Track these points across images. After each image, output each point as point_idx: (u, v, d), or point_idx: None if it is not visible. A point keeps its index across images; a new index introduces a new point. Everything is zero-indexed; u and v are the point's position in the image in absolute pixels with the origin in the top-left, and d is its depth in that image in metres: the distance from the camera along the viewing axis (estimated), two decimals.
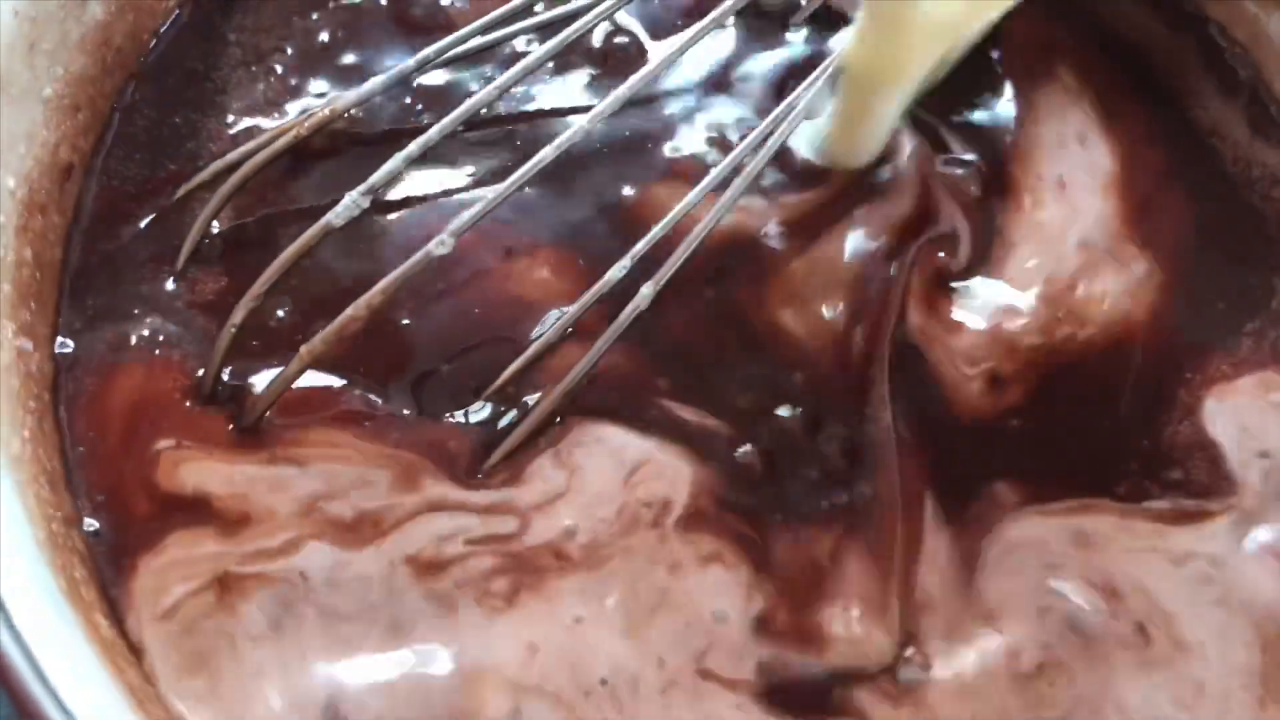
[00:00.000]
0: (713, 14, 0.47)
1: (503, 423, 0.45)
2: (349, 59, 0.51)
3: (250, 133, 0.49)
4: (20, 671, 0.32)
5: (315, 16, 0.52)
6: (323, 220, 0.43)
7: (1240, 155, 0.53)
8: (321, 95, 0.50)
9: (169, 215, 0.47)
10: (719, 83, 0.52)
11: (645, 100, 0.50)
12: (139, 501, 0.42)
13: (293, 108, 0.50)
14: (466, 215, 0.42)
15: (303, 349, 0.43)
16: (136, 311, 0.45)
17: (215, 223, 0.47)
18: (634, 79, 0.46)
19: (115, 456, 0.42)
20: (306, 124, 0.46)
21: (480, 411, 0.45)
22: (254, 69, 0.51)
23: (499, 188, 0.43)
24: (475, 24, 0.48)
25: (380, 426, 0.44)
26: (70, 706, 0.33)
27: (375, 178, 0.43)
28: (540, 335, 0.45)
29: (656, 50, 0.52)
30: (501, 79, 0.45)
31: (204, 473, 0.42)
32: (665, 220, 0.45)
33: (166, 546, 0.41)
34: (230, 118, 0.50)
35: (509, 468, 0.44)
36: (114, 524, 0.41)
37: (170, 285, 0.46)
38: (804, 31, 0.54)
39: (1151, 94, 0.54)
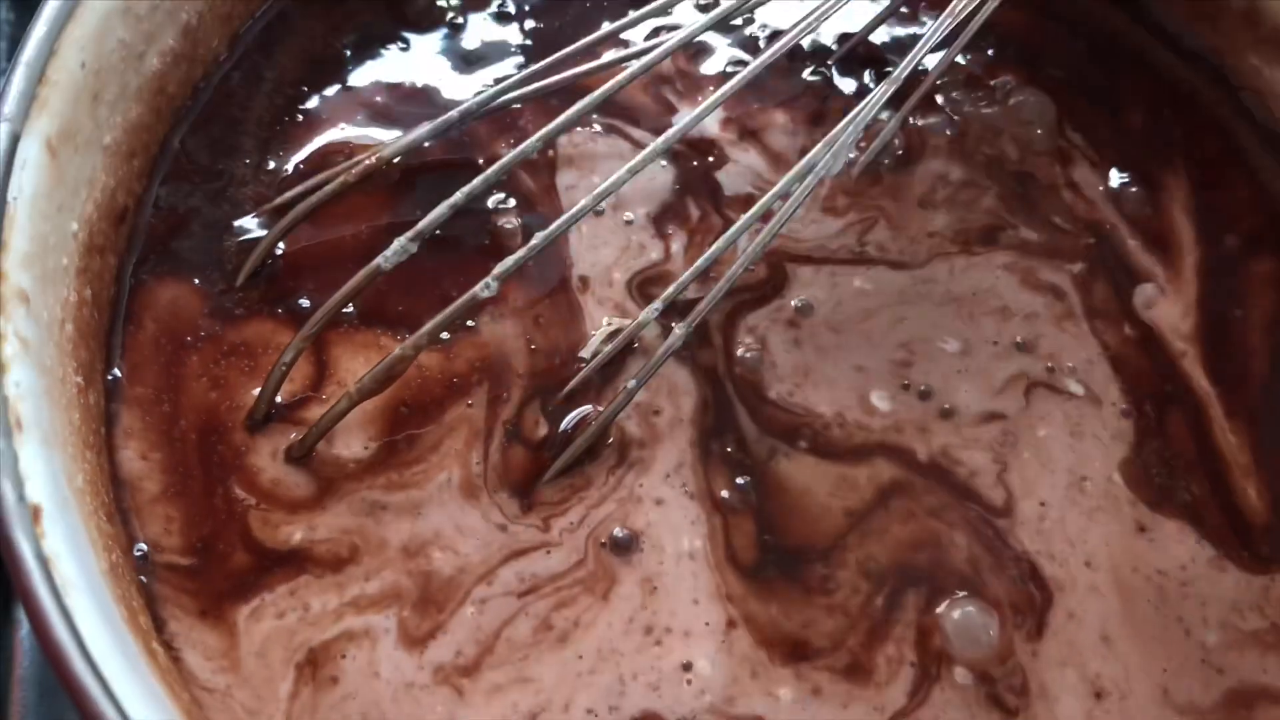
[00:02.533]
0: (755, 63, 0.49)
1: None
2: (394, 103, 0.54)
3: (296, 175, 0.51)
4: (98, 700, 0.34)
5: (360, 61, 0.55)
6: (373, 264, 0.45)
7: None
8: (365, 135, 0.53)
9: (216, 251, 0.49)
10: (753, 128, 0.55)
11: (683, 145, 0.53)
12: (227, 549, 0.43)
13: (338, 147, 0.52)
14: (511, 260, 0.44)
15: (351, 387, 0.44)
16: (189, 339, 0.47)
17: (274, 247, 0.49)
18: (674, 130, 0.47)
19: (184, 496, 0.44)
20: (355, 171, 0.48)
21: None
22: (297, 112, 0.53)
23: (543, 233, 0.45)
24: (517, 76, 0.50)
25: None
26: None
27: (423, 225, 0.45)
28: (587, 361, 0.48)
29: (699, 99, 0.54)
30: (545, 130, 0.47)
31: (290, 527, 0.44)
32: (697, 264, 0.47)
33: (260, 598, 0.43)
34: (273, 160, 0.52)
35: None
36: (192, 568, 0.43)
37: (220, 319, 0.48)
38: (837, 72, 0.57)
39: None
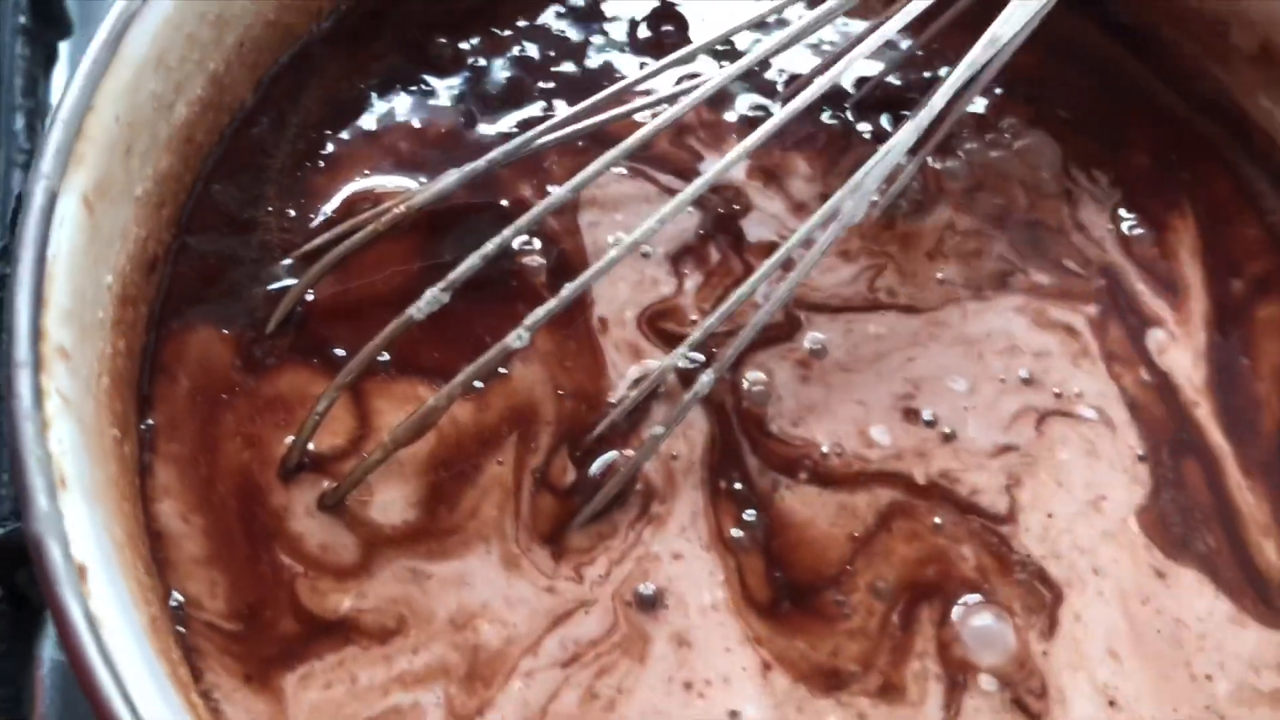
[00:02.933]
0: (782, 114, 0.49)
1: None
2: (418, 148, 0.54)
3: (324, 222, 0.52)
4: None
5: (383, 105, 0.55)
6: (405, 314, 0.45)
7: None
8: (390, 182, 0.53)
9: (246, 299, 0.50)
10: (777, 174, 0.56)
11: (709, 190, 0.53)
12: (274, 616, 0.44)
13: (364, 194, 0.53)
14: (542, 311, 0.45)
15: (386, 438, 0.45)
16: (223, 395, 0.47)
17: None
18: (703, 179, 0.48)
19: (225, 555, 0.45)
20: (383, 220, 0.49)
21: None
22: (319, 158, 0.53)
23: (573, 284, 0.45)
24: (545, 124, 0.51)
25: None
26: None
27: (454, 275, 0.45)
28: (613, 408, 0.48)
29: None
30: (575, 180, 0.47)
31: (339, 595, 0.44)
32: (721, 310, 0.48)
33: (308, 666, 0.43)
34: (299, 207, 0.52)
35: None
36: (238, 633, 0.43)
37: (252, 370, 0.48)
38: (855, 115, 0.58)
39: None
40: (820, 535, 0.47)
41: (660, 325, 0.51)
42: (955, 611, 0.47)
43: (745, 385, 0.50)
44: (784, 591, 0.46)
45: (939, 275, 0.54)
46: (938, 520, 0.48)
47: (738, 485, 0.48)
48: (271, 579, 0.44)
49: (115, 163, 0.45)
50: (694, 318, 0.52)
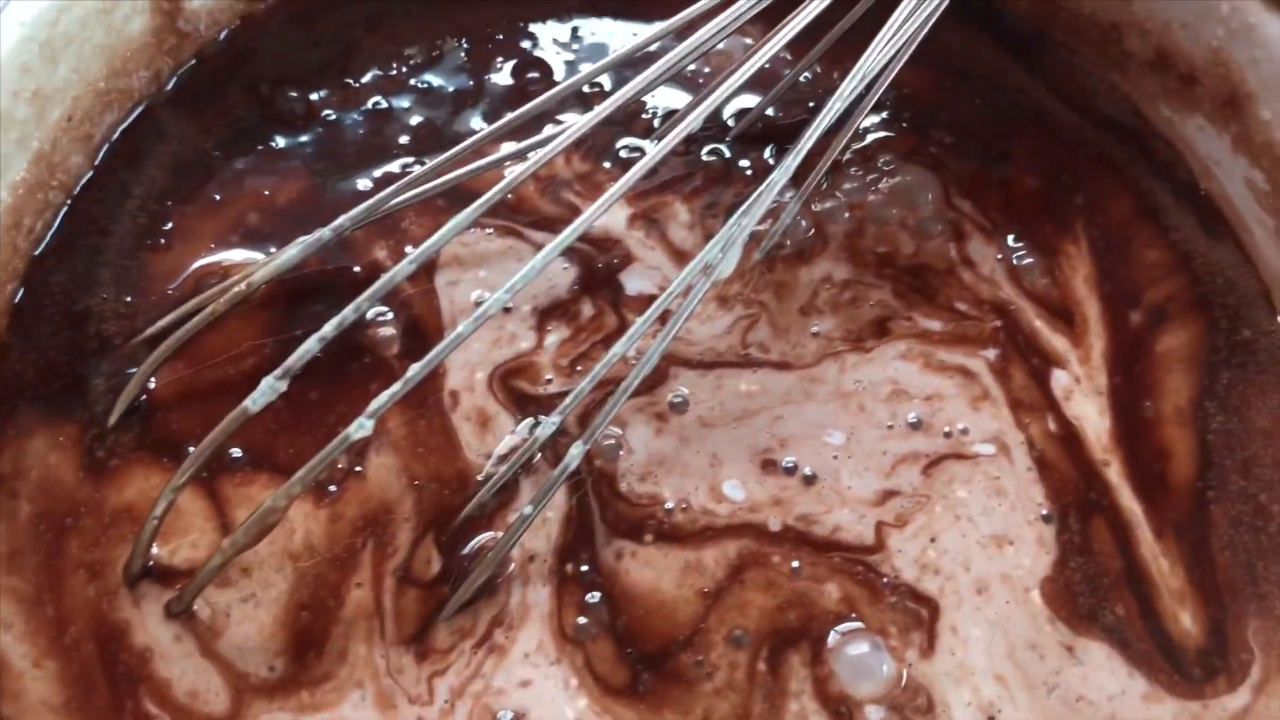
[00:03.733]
0: (648, 157, 0.46)
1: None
2: (266, 218, 0.51)
3: (167, 302, 0.49)
4: None
5: (230, 169, 0.52)
6: (240, 407, 0.42)
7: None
8: (239, 255, 0.50)
9: (84, 392, 0.47)
10: (657, 220, 0.53)
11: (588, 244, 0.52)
12: None
13: (210, 269, 0.50)
14: (385, 396, 0.42)
15: (225, 543, 0.42)
16: (67, 519, 0.44)
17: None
18: (565, 234, 0.45)
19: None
20: (224, 299, 0.46)
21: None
22: (161, 235, 0.50)
23: (417, 365, 0.43)
24: (397, 184, 0.48)
25: None
26: None
27: (290, 361, 0.42)
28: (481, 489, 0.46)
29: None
30: (424, 248, 0.44)
31: None
32: (591, 375, 0.45)
33: None
34: (141, 288, 0.49)
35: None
36: None
37: (95, 477, 0.45)
38: (734, 151, 0.55)
39: None
40: (668, 599, 0.45)
41: (512, 384, 0.49)
42: (827, 646, 0.45)
43: (600, 441, 0.48)
44: (640, 665, 0.44)
45: (814, 329, 0.51)
46: (795, 564, 0.46)
47: (584, 568, 0.46)
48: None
49: None
50: (549, 376, 0.49)
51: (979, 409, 0.50)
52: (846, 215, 0.54)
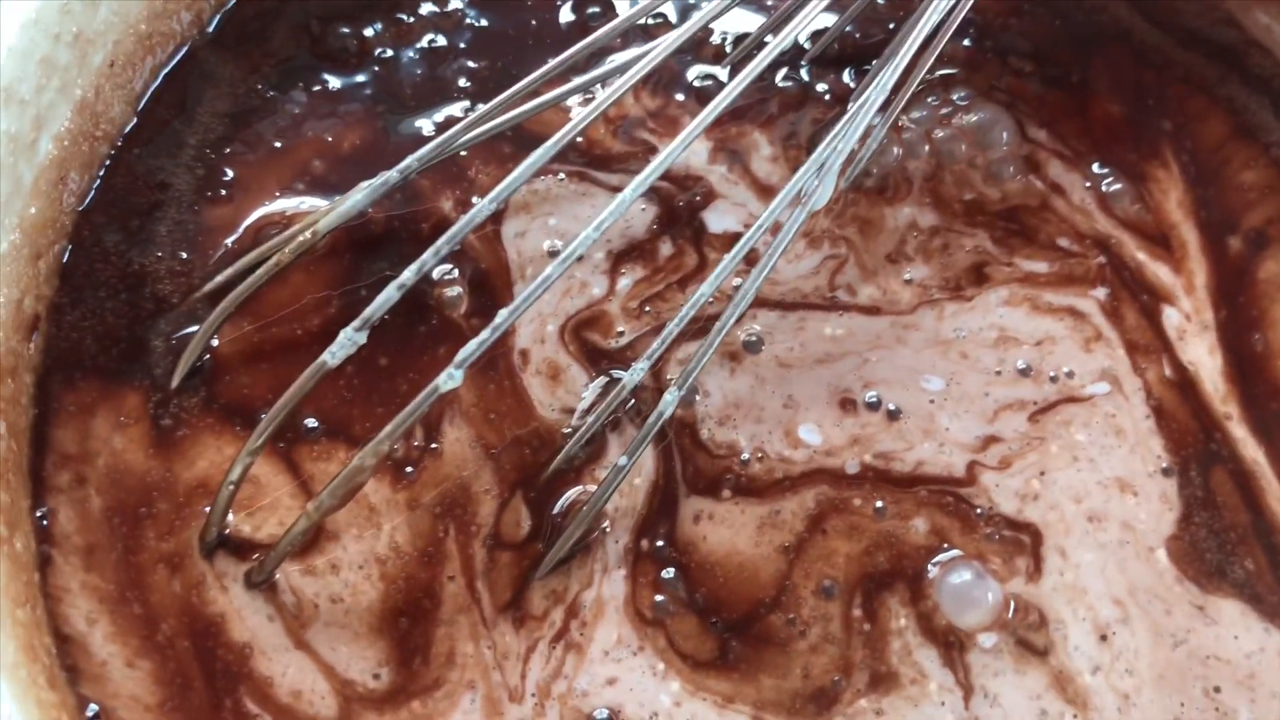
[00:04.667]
0: (730, 86, 0.43)
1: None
2: (329, 163, 0.48)
3: (227, 255, 0.46)
4: None
5: (289, 112, 0.49)
6: (318, 361, 0.40)
7: None
8: (303, 203, 0.47)
9: (144, 355, 0.44)
10: (738, 153, 0.50)
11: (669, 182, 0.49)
12: None
13: (273, 219, 0.47)
14: (474, 344, 0.39)
15: (309, 506, 0.40)
16: (140, 509, 0.42)
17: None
18: (640, 178, 0.42)
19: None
20: (289, 249, 0.43)
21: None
22: (223, 185, 0.47)
23: (505, 311, 0.40)
24: (457, 127, 0.45)
25: None
26: None
27: (369, 311, 0.40)
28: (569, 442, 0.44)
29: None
30: (496, 190, 0.41)
31: None
32: (676, 319, 0.42)
33: None
34: (199, 241, 0.46)
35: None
36: None
37: (164, 449, 0.43)
38: (812, 74, 0.52)
39: None
40: (747, 561, 0.43)
41: (584, 336, 0.46)
42: (926, 579, 0.43)
43: (669, 380, 0.45)
44: (728, 634, 0.42)
45: (906, 276, 0.48)
46: (878, 504, 0.44)
47: (659, 542, 0.43)
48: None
49: None
50: (620, 328, 0.46)
51: (1092, 350, 0.47)
52: (926, 149, 0.51)
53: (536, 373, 0.45)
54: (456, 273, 0.47)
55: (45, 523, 0.41)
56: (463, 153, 0.48)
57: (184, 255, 0.46)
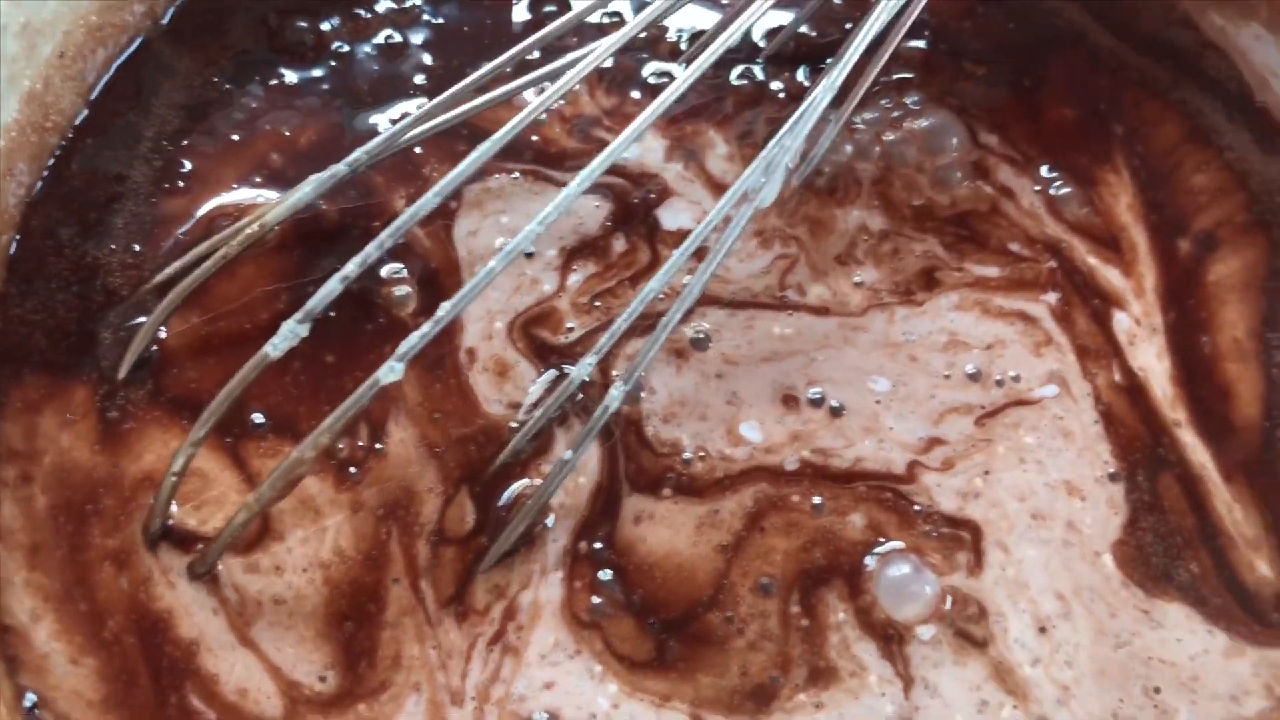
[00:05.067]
0: (681, 79, 0.43)
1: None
2: (284, 156, 0.48)
3: (177, 247, 0.46)
4: None
5: (246, 106, 0.49)
6: (260, 352, 0.40)
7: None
8: (256, 195, 0.47)
9: (91, 348, 0.44)
10: (690, 148, 0.50)
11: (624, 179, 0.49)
12: None
13: (226, 210, 0.47)
14: (415, 337, 0.39)
15: (250, 497, 0.40)
16: (86, 506, 0.42)
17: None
18: (589, 169, 0.42)
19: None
20: (236, 241, 0.43)
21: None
22: (181, 176, 0.47)
23: (448, 304, 0.40)
24: (406, 121, 0.45)
25: None
26: None
27: (312, 303, 0.40)
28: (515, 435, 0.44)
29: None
30: (441, 183, 0.42)
31: None
32: (625, 314, 0.43)
33: None
34: (152, 232, 0.46)
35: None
36: None
37: (111, 443, 0.43)
38: (766, 72, 0.52)
39: None
40: (685, 561, 0.43)
41: (533, 332, 0.46)
42: (864, 574, 0.43)
43: (616, 382, 0.45)
44: (664, 634, 0.42)
45: (856, 279, 0.49)
46: (816, 501, 0.44)
47: (597, 545, 0.43)
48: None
49: None
50: (570, 325, 0.47)
51: (1042, 355, 0.48)
52: (876, 151, 0.51)
53: (483, 370, 0.46)
54: (405, 271, 0.47)
55: None
56: (417, 150, 0.48)
57: (137, 248, 0.46)
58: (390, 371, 0.39)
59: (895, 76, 0.53)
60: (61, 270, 0.45)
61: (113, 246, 0.46)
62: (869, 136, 0.51)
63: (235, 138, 0.48)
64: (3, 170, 0.44)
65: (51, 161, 0.46)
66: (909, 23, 0.48)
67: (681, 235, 0.48)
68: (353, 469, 0.43)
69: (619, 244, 0.48)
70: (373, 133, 0.48)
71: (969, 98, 0.53)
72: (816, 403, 0.46)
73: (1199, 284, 0.50)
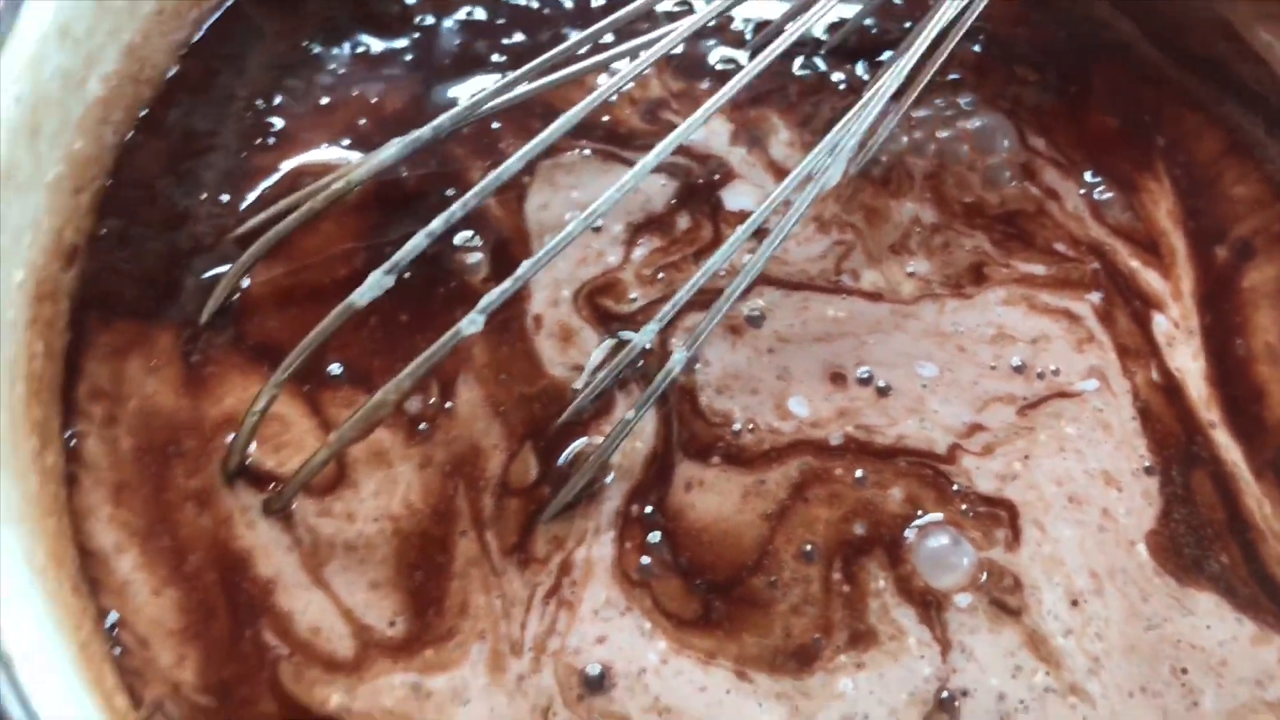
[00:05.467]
0: (746, 70, 0.46)
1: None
2: (371, 120, 0.50)
3: (261, 201, 0.48)
4: None
5: (335, 70, 0.51)
6: (346, 301, 0.41)
7: None
8: (339, 155, 0.49)
9: (177, 291, 0.46)
10: (755, 134, 0.52)
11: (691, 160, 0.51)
12: (251, 695, 0.41)
13: (310, 169, 0.49)
14: (496, 293, 0.41)
15: (331, 437, 0.41)
16: (169, 448, 0.44)
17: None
18: (667, 141, 0.44)
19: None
20: (321, 197, 0.45)
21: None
22: (271, 134, 0.50)
23: (528, 262, 0.42)
24: (488, 90, 0.47)
25: None
26: None
27: (399, 256, 0.41)
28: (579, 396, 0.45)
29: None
30: (523, 150, 0.43)
31: (327, 688, 0.41)
32: (687, 286, 0.44)
33: None
34: (240, 185, 0.48)
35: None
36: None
37: (193, 387, 0.45)
38: (828, 64, 0.54)
39: None
40: (730, 528, 0.45)
41: (597, 301, 0.48)
42: (904, 545, 0.45)
43: (673, 352, 0.47)
44: (710, 595, 0.44)
45: (909, 269, 0.50)
46: (858, 474, 0.46)
47: (648, 508, 0.45)
48: (254, 658, 0.41)
49: (19, 147, 0.41)
50: (634, 295, 0.49)
51: (1084, 352, 0.49)
52: (931, 148, 0.53)
53: (549, 335, 0.47)
54: (478, 240, 0.48)
55: (74, 444, 0.43)
56: (494, 125, 0.50)
57: (224, 198, 0.48)
58: (471, 324, 0.41)
59: (950, 78, 0.55)
60: (152, 217, 0.47)
61: (202, 196, 0.47)
62: (924, 133, 0.53)
63: (323, 101, 0.50)
64: (100, 117, 0.45)
65: (145, 113, 0.48)
66: (968, 24, 0.50)
67: (743, 216, 0.50)
68: (423, 425, 0.45)
69: (683, 221, 0.50)
70: (452, 104, 0.50)
71: (1019, 101, 0.54)
72: (864, 381, 0.48)
73: (1234, 290, 0.51)
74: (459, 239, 0.48)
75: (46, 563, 0.37)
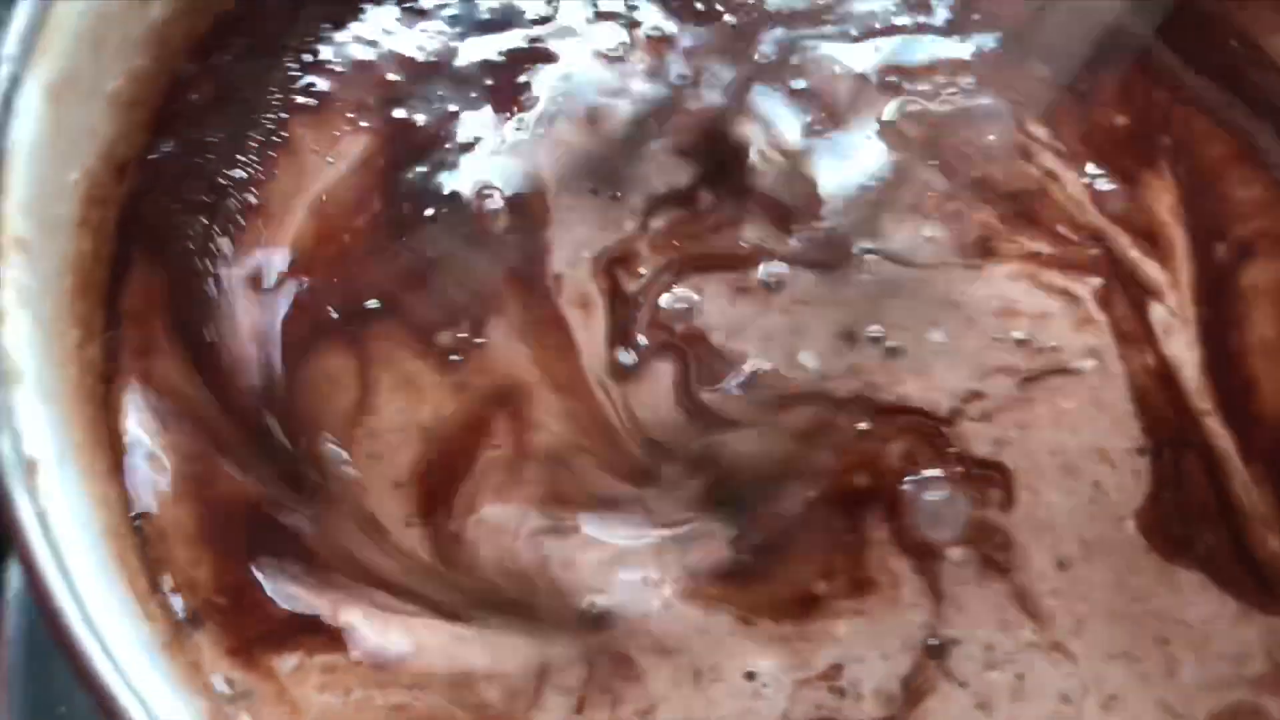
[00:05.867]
0: None
1: None
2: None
3: None
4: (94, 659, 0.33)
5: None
6: None
7: None
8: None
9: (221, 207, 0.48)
10: None
11: None
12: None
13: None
14: None
15: None
16: (194, 308, 0.46)
17: None
18: None
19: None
20: None
21: None
22: (315, 78, 0.52)
23: None
24: None
25: None
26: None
27: None
28: None
29: None
30: None
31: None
32: None
33: None
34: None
35: None
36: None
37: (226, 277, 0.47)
38: None
39: None
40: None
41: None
42: (900, 498, 0.46)
43: (665, 304, 0.48)
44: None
45: (925, 234, 0.52)
46: (862, 426, 0.47)
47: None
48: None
49: (84, 56, 0.43)
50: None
51: (1083, 332, 0.51)
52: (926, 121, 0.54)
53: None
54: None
55: (112, 346, 0.45)
56: None
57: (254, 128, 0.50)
58: None
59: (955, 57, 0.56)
60: (202, 131, 0.49)
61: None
62: (918, 106, 0.55)
63: (369, 59, 0.52)
64: (159, 39, 0.48)
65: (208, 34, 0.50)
66: None
67: None
68: (455, 355, 0.47)
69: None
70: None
71: (1025, 93, 0.56)
72: (875, 340, 0.49)
73: (1232, 286, 0.53)
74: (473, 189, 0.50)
75: (83, 442, 0.39)
